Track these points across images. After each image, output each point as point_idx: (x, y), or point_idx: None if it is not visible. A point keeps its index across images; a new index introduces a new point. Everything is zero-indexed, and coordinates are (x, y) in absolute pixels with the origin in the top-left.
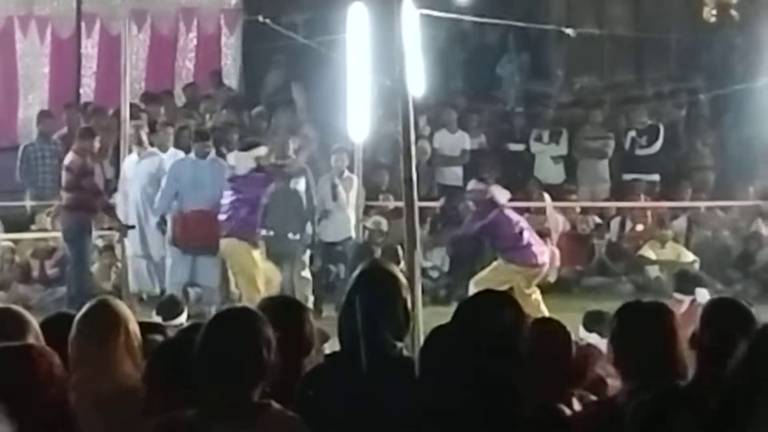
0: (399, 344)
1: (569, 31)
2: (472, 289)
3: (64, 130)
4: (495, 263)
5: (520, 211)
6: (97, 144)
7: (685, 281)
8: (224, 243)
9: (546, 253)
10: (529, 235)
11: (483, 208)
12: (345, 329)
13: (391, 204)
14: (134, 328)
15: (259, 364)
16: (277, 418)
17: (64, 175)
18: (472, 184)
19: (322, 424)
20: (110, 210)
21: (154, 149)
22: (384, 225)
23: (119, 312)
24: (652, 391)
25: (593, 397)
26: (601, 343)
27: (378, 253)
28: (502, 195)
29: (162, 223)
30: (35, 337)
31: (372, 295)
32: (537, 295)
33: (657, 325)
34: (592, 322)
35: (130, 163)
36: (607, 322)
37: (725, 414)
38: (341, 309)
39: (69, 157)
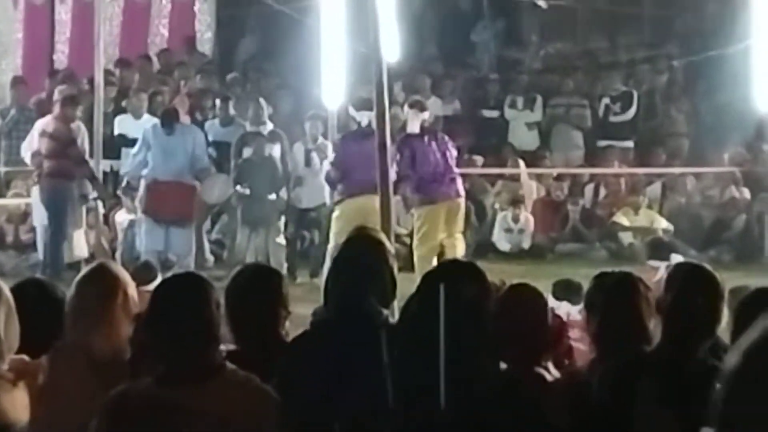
0: (385, 311)
1: (542, 3)
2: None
3: (42, 95)
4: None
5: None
6: (79, 112)
7: (659, 248)
8: None
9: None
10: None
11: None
12: (331, 296)
13: None
14: (132, 292)
15: (209, 326)
16: (233, 379)
17: (47, 143)
18: None
19: (308, 389)
20: (93, 178)
21: None
22: None
23: (118, 276)
24: (618, 358)
25: (567, 363)
26: (572, 310)
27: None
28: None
29: (128, 189)
30: (5, 303)
31: (358, 262)
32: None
33: (625, 293)
34: (561, 290)
35: None
36: (576, 290)
37: (692, 381)
38: (327, 275)
39: (51, 125)
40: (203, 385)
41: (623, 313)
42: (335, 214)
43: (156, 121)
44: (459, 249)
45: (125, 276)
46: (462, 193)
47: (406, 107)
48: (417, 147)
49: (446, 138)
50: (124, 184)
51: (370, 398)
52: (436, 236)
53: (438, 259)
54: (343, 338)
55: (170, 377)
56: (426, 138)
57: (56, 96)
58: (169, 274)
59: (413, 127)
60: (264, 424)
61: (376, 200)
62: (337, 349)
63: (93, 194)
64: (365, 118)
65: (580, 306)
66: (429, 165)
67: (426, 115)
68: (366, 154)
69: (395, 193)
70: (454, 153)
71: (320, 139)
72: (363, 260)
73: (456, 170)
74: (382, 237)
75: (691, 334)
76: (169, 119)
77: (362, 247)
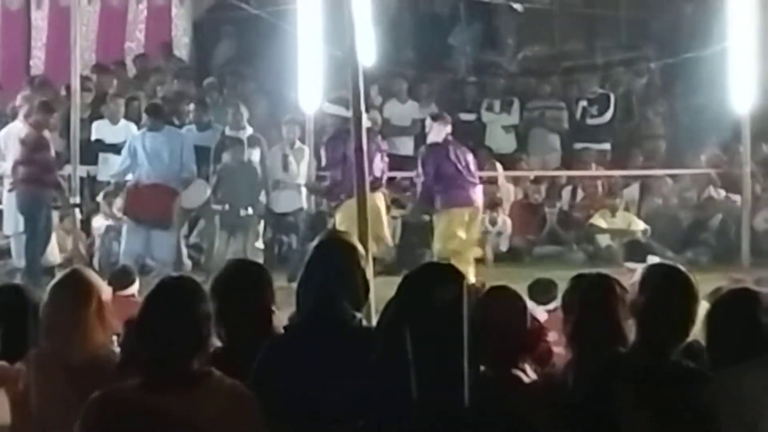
0: (358, 314)
1: (518, 6)
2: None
3: (16, 102)
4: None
5: None
6: (53, 119)
7: (636, 250)
8: None
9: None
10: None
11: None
12: (304, 300)
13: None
14: (107, 298)
15: (197, 333)
16: (219, 386)
17: (19, 149)
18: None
19: (281, 394)
20: (58, 186)
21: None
22: None
23: (92, 282)
24: (593, 359)
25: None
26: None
27: (331, 222)
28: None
29: (108, 195)
30: None
31: (330, 266)
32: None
33: (601, 294)
34: (536, 292)
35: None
36: (548, 291)
37: (667, 383)
38: (299, 279)
39: (24, 130)
40: (189, 391)
41: (599, 314)
42: (337, 219)
43: (135, 127)
44: (473, 256)
45: (99, 282)
46: (480, 201)
47: (428, 120)
48: (441, 156)
49: (464, 147)
50: (106, 190)
51: (345, 402)
52: (456, 239)
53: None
54: (315, 342)
55: (156, 382)
56: (449, 147)
57: (18, 101)
58: (147, 278)
59: (436, 137)
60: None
61: (376, 197)
62: (310, 354)
63: (73, 200)
64: (342, 111)
65: (550, 306)
66: (452, 172)
67: (449, 128)
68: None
69: (420, 202)
70: (473, 161)
71: (297, 143)
72: (334, 264)
73: (476, 178)
74: (354, 240)
75: (664, 335)
76: (155, 112)
77: (333, 251)
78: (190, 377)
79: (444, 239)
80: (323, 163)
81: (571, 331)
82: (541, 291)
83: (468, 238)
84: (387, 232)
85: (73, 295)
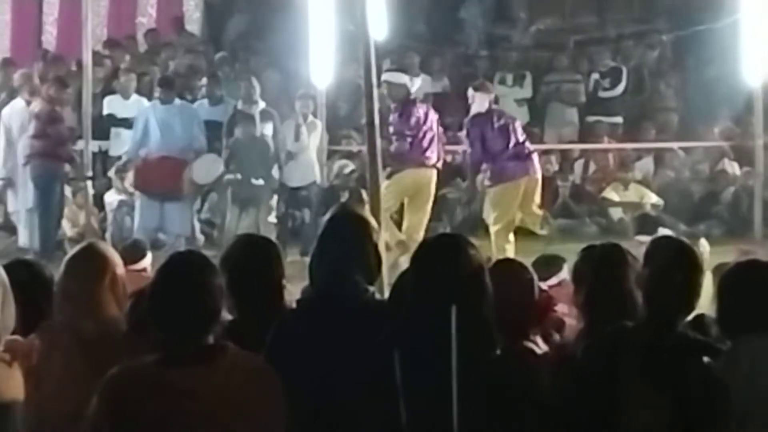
0: (371, 288)
1: None
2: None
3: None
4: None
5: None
6: (66, 95)
7: (647, 223)
8: None
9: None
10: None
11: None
12: (317, 274)
13: (355, 148)
14: (121, 272)
15: (210, 307)
16: (236, 359)
17: (33, 123)
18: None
19: (295, 368)
20: (72, 160)
21: None
22: (350, 168)
23: (107, 256)
24: (602, 332)
25: (557, 337)
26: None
27: (344, 196)
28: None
29: (121, 170)
30: (1, 284)
31: (343, 240)
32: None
33: (612, 264)
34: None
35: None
36: (552, 267)
37: (672, 355)
38: (312, 254)
39: (38, 105)
40: (206, 366)
41: (610, 285)
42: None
43: (146, 102)
44: (537, 221)
45: (114, 256)
46: (538, 169)
47: (470, 90)
48: (486, 126)
49: (511, 116)
50: (118, 164)
51: (361, 376)
52: (512, 213)
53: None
54: (328, 317)
55: (172, 358)
56: (494, 117)
57: (17, 80)
58: (160, 253)
59: (480, 108)
60: (269, 404)
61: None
62: (322, 328)
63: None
64: (404, 79)
65: (551, 281)
66: (501, 143)
67: (492, 96)
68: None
69: (471, 177)
70: (521, 129)
71: (310, 117)
72: (347, 238)
73: (526, 147)
74: (366, 213)
75: (669, 308)
76: (166, 84)
77: (346, 225)
78: (206, 352)
79: (497, 214)
80: (391, 130)
81: (582, 302)
82: (542, 266)
83: (526, 209)
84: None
85: (87, 269)
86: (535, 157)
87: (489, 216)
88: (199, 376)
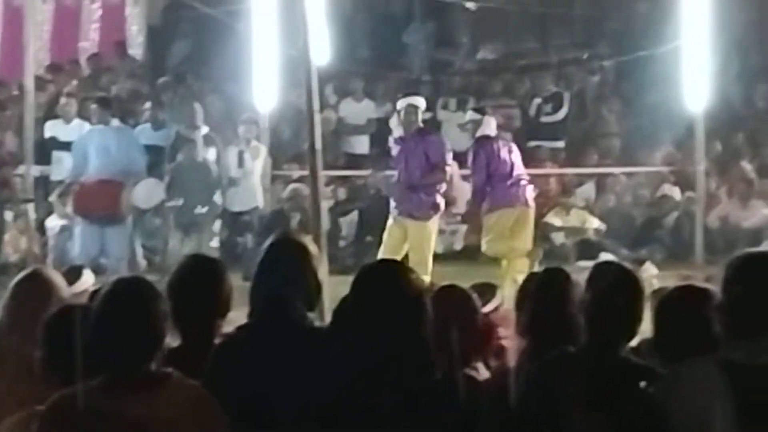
0: (310, 314)
1: (471, 5)
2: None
3: None
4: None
5: None
6: (5, 118)
7: (588, 248)
8: None
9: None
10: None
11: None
12: (256, 300)
13: (296, 173)
14: (65, 296)
15: (154, 333)
16: (179, 388)
17: None
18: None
19: (233, 394)
20: (7, 183)
21: None
22: (303, 192)
23: (52, 281)
24: (544, 357)
25: (498, 363)
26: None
27: (296, 220)
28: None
29: (62, 195)
30: None
31: (282, 266)
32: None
33: (554, 289)
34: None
35: None
36: (486, 294)
37: (614, 380)
38: (252, 280)
39: None
40: (149, 393)
41: (552, 309)
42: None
43: (88, 127)
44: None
45: (60, 281)
46: (531, 202)
47: (471, 113)
48: (491, 152)
49: (511, 143)
50: (59, 189)
51: (297, 403)
52: (505, 240)
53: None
54: (267, 343)
55: (115, 385)
56: (499, 142)
57: None
58: (103, 278)
59: (489, 131)
60: None
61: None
62: (261, 355)
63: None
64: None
65: (486, 308)
66: (502, 169)
67: (497, 119)
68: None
69: (474, 201)
70: (519, 157)
71: (253, 142)
72: (286, 264)
73: (525, 175)
74: (306, 240)
75: (611, 333)
76: (103, 104)
77: (286, 251)
78: (149, 379)
79: (493, 240)
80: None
81: (524, 327)
82: (477, 293)
83: (519, 237)
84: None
85: (34, 294)
86: (530, 186)
87: (483, 245)
88: (142, 403)
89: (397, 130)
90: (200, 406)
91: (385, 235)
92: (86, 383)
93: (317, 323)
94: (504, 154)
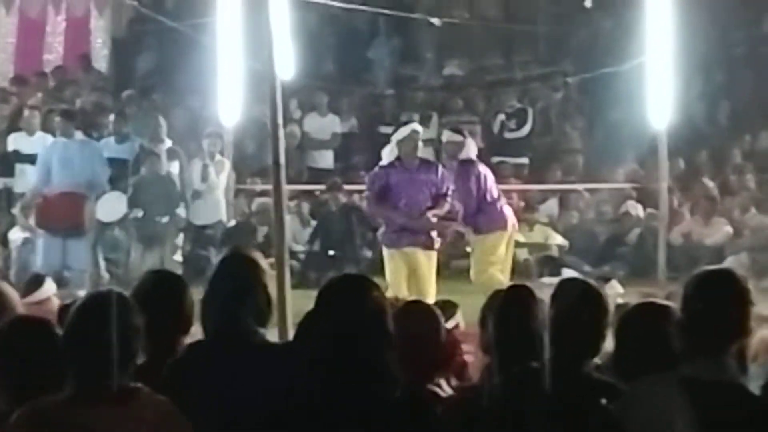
0: (261, 330)
1: (436, 21)
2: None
3: None
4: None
5: None
6: None
7: (551, 265)
8: None
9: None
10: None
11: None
12: (207, 316)
13: (259, 187)
14: (20, 311)
15: (128, 348)
16: (149, 402)
17: None
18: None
19: (186, 411)
20: None
21: None
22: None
23: (8, 296)
24: (507, 374)
25: (460, 381)
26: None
27: (263, 234)
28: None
29: (25, 207)
30: None
31: (232, 282)
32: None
33: (517, 306)
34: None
35: None
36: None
37: (575, 397)
38: (203, 296)
39: None
40: (118, 407)
41: (516, 325)
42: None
43: (51, 138)
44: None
45: (13, 295)
46: (512, 221)
47: (449, 133)
48: (479, 172)
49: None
50: (22, 202)
51: (255, 419)
52: (497, 263)
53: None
54: (218, 359)
55: (85, 397)
56: (480, 165)
57: None
58: (65, 290)
59: (471, 154)
60: None
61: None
62: (212, 371)
63: None
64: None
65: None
66: (492, 190)
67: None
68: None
69: (465, 225)
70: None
71: (217, 156)
72: (237, 280)
73: (502, 197)
74: (256, 256)
75: (575, 349)
76: (67, 116)
77: (236, 267)
78: (119, 393)
79: (485, 264)
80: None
81: (488, 343)
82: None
83: (505, 260)
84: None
85: None
86: (509, 208)
87: (473, 271)
88: (109, 417)
89: (388, 158)
90: (168, 422)
91: (390, 269)
92: (56, 396)
93: (269, 339)
94: (489, 175)
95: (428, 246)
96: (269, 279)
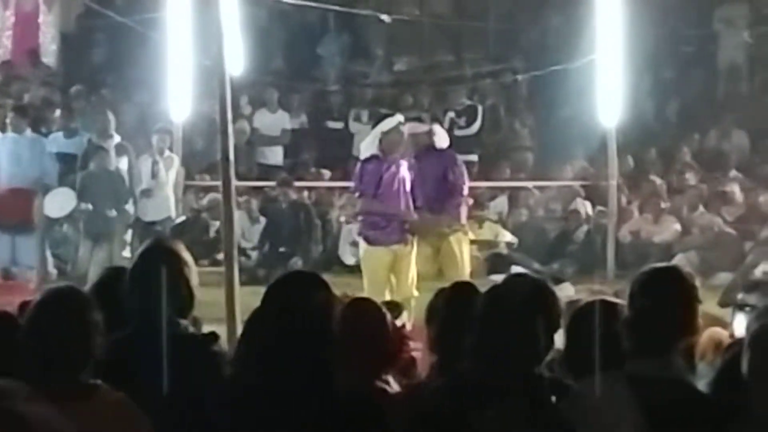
0: (183, 321)
1: (385, 17)
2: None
3: None
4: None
5: (341, 190)
6: None
7: (500, 262)
8: None
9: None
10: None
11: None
12: (129, 308)
13: (208, 183)
14: None
15: (86, 345)
16: (108, 398)
17: None
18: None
19: None
20: None
21: None
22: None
23: None
24: (454, 370)
25: (408, 378)
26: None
27: (214, 229)
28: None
29: None
30: None
31: (151, 273)
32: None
33: (463, 302)
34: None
35: None
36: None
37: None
38: (126, 288)
39: None
40: (77, 403)
41: (462, 322)
42: None
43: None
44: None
45: None
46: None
47: (417, 124)
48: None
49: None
50: None
51: (175, 410)
52: (457, 265)
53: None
54: (141, 352)
55: (44, 393)
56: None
57: None
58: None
59: (444, 143)
60: None
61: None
62: (136, 364)
63: None
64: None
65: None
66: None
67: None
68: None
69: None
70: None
71: (167, 152)
72: (157, 272)
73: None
74: (178, 248)
75: (521, 347)
76: (20, 112)
77: (155, 260)
78: (79, 389)
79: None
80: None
81: (432, 344)
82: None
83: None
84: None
85: None
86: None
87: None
88: (70, 413)
89: (368, 150)
90: (127, 418)
91: (373, 268)
92: (15, 392)
93: (191, 330)
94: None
95: (408, 241)
96: (192, 271)
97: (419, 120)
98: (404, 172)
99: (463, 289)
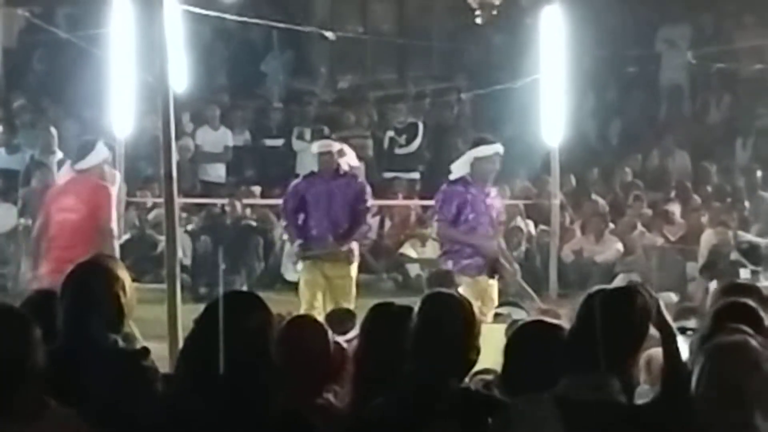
0: (113, 336)
1: (329, 34)
2: None
3: None
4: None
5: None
6: None
7: (442, 280)
8: None
9: None
10: None
11: None
12: (62, 325)
13: (150, 200)
14: None
15: (32, 361)
16: (56, 416)
17: None
18: None
19: None
20: None
21: None
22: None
23: None
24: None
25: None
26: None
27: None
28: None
29: None
30: None
31: (79, 289)
32: None
33: (384, 322)
34: (332, 322)
35: None
36: (347, 322)
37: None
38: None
39: None
40: (25, 422)
41: (381, 343)
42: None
43: None
44: None
45: None
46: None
47: (331, 144)
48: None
49: None
50: None
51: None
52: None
53: None
54: (71, 366)
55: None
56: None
57: None
58: None
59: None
60: None
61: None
62: (64, 378)
63: None
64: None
65: (348, 335)
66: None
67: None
68: None
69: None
70: None
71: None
72: (87, 288)
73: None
74: (111, 263)
75: (440, 362)
76: None
77: (87, 275)
78: (26, 408)
79: None
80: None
81: (358, 359)
82: (336, 321)
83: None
84: None
85: None
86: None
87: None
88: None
89: (459, 172)
90: None
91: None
92: None
93: (121, 344)
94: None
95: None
96: (124, 287)
97: (328, 137)
98: (348, 190)
99: (386, 307)
